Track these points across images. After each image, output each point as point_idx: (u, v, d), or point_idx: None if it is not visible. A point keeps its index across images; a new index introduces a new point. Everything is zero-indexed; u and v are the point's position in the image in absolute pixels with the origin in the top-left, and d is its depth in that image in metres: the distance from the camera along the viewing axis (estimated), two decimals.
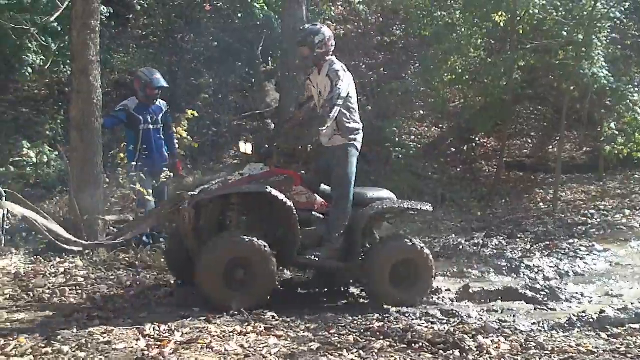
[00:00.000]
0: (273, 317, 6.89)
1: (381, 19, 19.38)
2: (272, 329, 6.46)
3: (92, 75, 8.99)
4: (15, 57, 13.37)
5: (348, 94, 7.70)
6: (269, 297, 7.25)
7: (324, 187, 7.92)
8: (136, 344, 5.89)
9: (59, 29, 12.80)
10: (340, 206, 7.68)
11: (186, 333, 6.24)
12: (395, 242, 8.01)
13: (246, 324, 6.61)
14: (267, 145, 8.14)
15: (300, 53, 8.02)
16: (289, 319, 6.87)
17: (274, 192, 7.27)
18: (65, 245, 7.88)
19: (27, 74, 13.50)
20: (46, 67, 13.20)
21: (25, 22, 11.79)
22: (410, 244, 7.85)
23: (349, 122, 7.80)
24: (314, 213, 7.77)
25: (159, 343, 5.93)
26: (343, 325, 6.74)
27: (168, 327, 6.42)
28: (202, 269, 7.09)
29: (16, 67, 13.54)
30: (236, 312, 6.84)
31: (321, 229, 7.71)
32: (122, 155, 10.69)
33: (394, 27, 18.84)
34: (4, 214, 7.49)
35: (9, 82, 15.34)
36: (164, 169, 9.99)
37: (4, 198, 7.62)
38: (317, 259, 7.64)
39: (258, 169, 7.66)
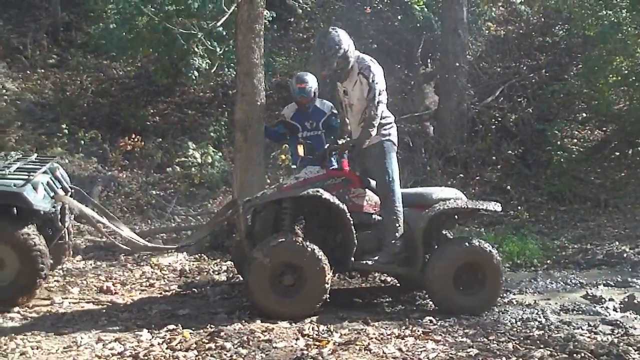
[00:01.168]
0: (431, 321, 6.86)
1: (543, 19, 18.92)
2: (430, 333, 6.43)
3: (256, 78, 9.18)
4: (183, 61, 13.81)
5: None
6: (319, 306, 6.97)
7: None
8: (296, 343, 5.99)
9: (224, 34, 13.14)
10: (389, 207, 7.30)
11: (345, 334, 6.30)
12: (458, 244, 7.57)
13: (404, 327, 6.61)
14: (325, 147, 7.91)
15: (335, 68, 7.46)
16: (447, 324, 6.81)
17: (326, 195, 7.02)
18: (124, 245, 8.14)
19: (194, 77, 13.89)
20: (212, 71, 13.54)
21: (193, 27, 12.16)
22: (475, 246, 7.40)
23: (382, 117, 7.39)
24: (374, 216, 7.47)
25: (318, 343, 6.01)
26: (502, 332, 6.63)
27: (327, 327, 6.49)
28: (249, 274, 6.91)
29: (183, 71, 13.97)
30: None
31: (381, 233, 7.40)
32: (283, 156, 10.88)
33: (556, 27, 18.35)
34: (63, 208, 7.71)
35: (176, 85, 15.90)
36: None
37: (69, 194, 7.93)
38: (375, 264, 7.36)
39: (314, 172, 7.41)
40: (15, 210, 7.16)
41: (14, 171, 7.33)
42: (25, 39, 16.97)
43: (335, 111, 8.72)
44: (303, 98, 8.80)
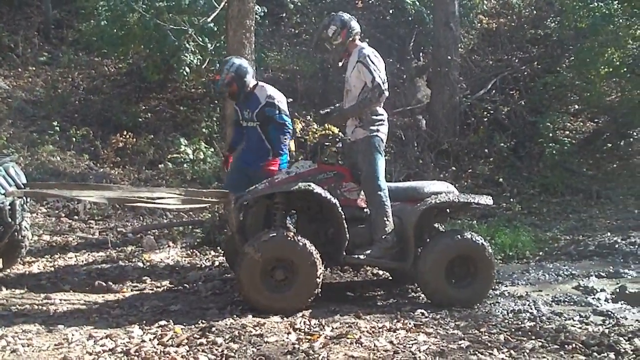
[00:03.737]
0: (422, 313, 6.86)
1: (535, 12, 18.98)
2: (422, 326, 6.43)
3: None
4: (174, 57, 13.79)
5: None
6: (310, 300, 6.92)
7: None
8: (287, 338, 5.98)
9: (215, 29, 13.13)
10: (375, 202, 7.26)
11: (336, 328, 6.29)
12: (449, 237, 7.44)
13: (396, 320, 6.61)
14: (314, 142, 7.86)
15: (325, 49, 7.61)
16: (438, 316, 6.82)
17: (317, 189, 6.97)
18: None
19: (185, 74, 13.89)
20: (203, 67, 13.54)
21: (184, 23, 12.17)
22: (467, 239, 7.35)
23: (373, 113, 7.38)
24: (365, 210, 7.44)
25: (309, 337, 6.00)
26: (494, 323, 6.62)
27: (318, 321, 6.49)
28: (241, 269, 6.85)
29: (174, 67, 13.96)
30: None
31: (371, 227, 7.37)
32: None
33: (548, 20, 18.39)
34: (14, 205, 7.68)
35: (168, 82, 15.89)
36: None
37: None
38: (367, 258, 7.32)
39: (305, 167, 7.39)
40: None
41: None
42: (16, 37, 16.96)
43: (271, 100, 8.36)
44: (222, 89, 8.58)
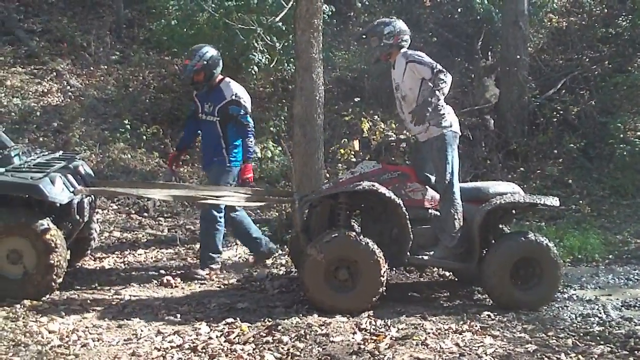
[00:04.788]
0: (489, 316, 6.84)
1: (606, 10, 18.62)
2: (488, 328, 6.42)
3: (315, 73, 9.20)
4: (242, 57, 13.88)
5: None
6: (375, 301, 6.96)
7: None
8: (353, 338, 6.02)
9: (283, 29, 13.19)
10: (447, 201, 7.26)
11: (402, 329, 6.31)
12: (514, 239, 7.45)
13: (462, 322, 6.60)
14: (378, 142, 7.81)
15: (369, 44, 7.64)
16: (505, 319, 6.78)
17: (381, 189, 7.00)
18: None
19: (253, 73, 13.96)
20: (271, 66, 13.60)
21: (252, 22, 12.26)
22: (531, 240, 7.31)
23: (441, 109, 7.36)
24: (430, 210, 7.43)
25: (375, 337, 6.03)
26: (561, 327, 6.58)
27: (384, 322, 6.51)
28: (304, 270, 6.96)
29: (243, 66, 14.04)
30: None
31: (437, 227, 7.37)
32: (342, 151, 10.89)
33: (620, 18, 18.03)
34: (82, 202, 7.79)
35: (236, 80, 15.93)
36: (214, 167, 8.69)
37: None
38: (431, 259, 7.34)
39: (370, 167, 7.41)
40: (33, 204, 7.26)
41: (33, 165, 7.47)
42: (89, 37, 17.24)
43: (237, 99, 8.39)
44: (188, 74, 8.49)
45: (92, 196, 8.23)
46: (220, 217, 8.42)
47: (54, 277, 7.19)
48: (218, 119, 8.41)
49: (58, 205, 7.20)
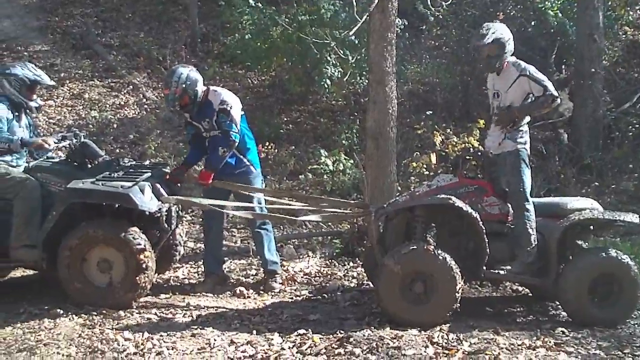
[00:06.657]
0: (563, 332, 6.77)
1: None
2: (562, 345, 6.35)
3: (388, 86, 9.25)
4: (316, 70, 13.98)
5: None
6: (449, 315, 6.92)
7: None
8: (425, 351, 6.01)
9: (356, 42, 13.26)
10: (521, 216, 7.18)
11: (474, 343, 6.28)
12: (593, 255, 7.37)
13: (535, 337, 6.54)
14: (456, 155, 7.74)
15: (488, 52, 7.39)
16: (580, 335, 6.70)
17: (458, 203, 6.96)
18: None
19: (326, 86, 14.05)
20: (344, 79, 13.67)
21: (326, 36, 12.34)
22: (612, 257, 7.19)
23: (523, 126, 7.36)
24: (507, 225, 7.37)
25: (447, 352, 6.02)
26: (638, 345, 6.47)
27: (456, 336, 6.49)
28: (380, 281, 6.96)
29: (316, 80, 14.14)
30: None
31: (513, 242, 7.29)
32: (414, 164, 10.88)
33: None
34: (169, 211, 7.94)
35: (309, 94, 16.11)
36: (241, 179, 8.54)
37: None
38: (508, 274, 7.26)
39: (447, 180, 7.38)
40: (122, 213, 7.44)
41: (122, 175, 7.59)
42: (165, 50, 17.58)
43: (223, 106, 8.19)
44: (173, 104, 8.30)
45: (179, 205, 8.38)
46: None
47: (136, 295, 7.39)
48: (219, 131, 8.30)
49: (147, 213, 7.36)
